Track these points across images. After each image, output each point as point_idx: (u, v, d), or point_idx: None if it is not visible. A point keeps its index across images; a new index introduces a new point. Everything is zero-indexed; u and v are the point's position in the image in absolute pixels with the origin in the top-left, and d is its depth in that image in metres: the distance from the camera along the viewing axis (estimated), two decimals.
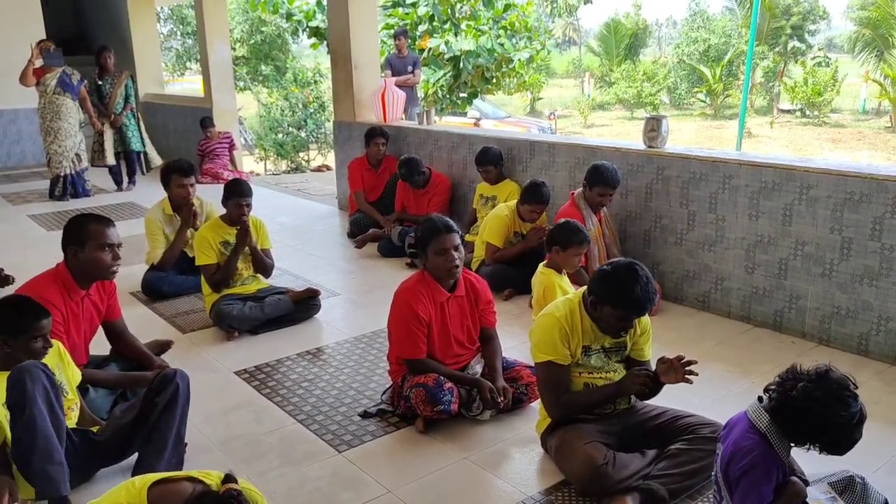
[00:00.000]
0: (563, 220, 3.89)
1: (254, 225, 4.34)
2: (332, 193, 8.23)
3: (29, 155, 10.64)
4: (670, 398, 2.81)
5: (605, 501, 2.53)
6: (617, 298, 2.55)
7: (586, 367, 2.76)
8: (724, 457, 2.14)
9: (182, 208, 4.83)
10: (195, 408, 3.24)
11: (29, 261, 5.44)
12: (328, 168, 12.37)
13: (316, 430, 3.15)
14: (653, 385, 2.64)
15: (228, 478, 1.83)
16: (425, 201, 5.99)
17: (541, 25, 14.65)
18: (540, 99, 31.31)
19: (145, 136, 8.76)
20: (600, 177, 4.39)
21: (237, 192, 4.24)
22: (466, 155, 6.07)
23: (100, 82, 8.31)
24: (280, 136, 14.41)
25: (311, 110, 14.46)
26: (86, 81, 8.09)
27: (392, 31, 9.95)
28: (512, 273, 4.74)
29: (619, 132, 24.72)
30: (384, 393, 3.34)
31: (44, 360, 2.56)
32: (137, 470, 2.60)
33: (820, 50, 29.42)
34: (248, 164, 13.73)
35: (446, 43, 11.01)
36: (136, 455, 2.70)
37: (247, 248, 4.30)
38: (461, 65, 11.37)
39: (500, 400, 3.09)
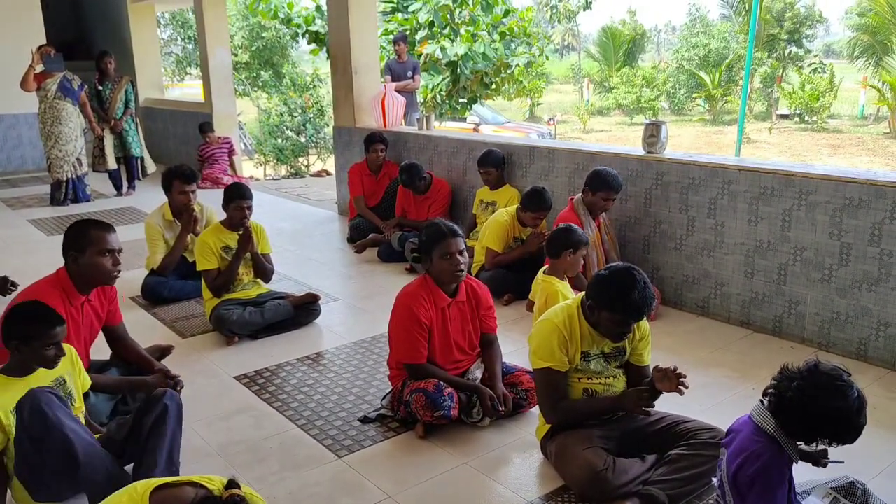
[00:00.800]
0: (563, 224, 3.90)
1: (254, 230, 4.34)
2: (332, 198, 8.24)
3: (29, 160, 10.65)
4: (670, 403, 2.81)
5: None
6: (614, 303, 2.56)
7: (586, 373, 2.76)
8: (731, 462, 2.13)
9: (182, 214, 4.84)
10: (196, 413, 3.26)
11: (29, 266, 5.45)
12: (328, 173, 12.39)
13: (316, 434, 3.15)
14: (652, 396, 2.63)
15: (231, 483, 1.82)
16: (426, 207, 6.00)
17: (540, 31, 14.68)
18: (539, 104, 31.36)
19: (142, 142, 8.78)
20: (604, 181, 4.40)
21: (238, 195, 4.25)
22: (466, 160, 6.08)
23: (100, 87, 8.32)
24: (279, 140, 14.43)
25: (311, 115, 14.48)
26: (86, 86, 8.11)
27: (392, 37, 9.98)
28: (512, 278, 4.75)
29: (619, 137, 24.75)
30: (384, 398, 3.34)
31: (57, 367, 2.54)
32: None
33: (815, 56, 29.47)
34: (248, 168, 13.75)
35: (442, 48, 11.03)
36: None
37: (248, 253, 4.31)
38: (459, 70, 11.39)
39: (500, 408, 3.09)
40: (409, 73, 8.73)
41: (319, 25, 11.80)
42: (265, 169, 15.27)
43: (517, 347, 3.86)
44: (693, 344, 4.09)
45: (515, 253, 4.83)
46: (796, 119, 26.21)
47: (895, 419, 3.22)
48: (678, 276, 4.60)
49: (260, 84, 20.45)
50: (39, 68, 7.76)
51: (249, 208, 4.28)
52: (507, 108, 27.29)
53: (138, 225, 6.37)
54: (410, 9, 11.63)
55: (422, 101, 11.50)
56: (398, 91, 7.44)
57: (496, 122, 18.47)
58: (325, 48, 11.67)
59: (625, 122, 28.84)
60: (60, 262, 3.09)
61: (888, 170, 15.24)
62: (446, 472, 2.85)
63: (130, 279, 4.95)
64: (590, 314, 2.68)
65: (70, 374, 2.67)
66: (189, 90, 24.32)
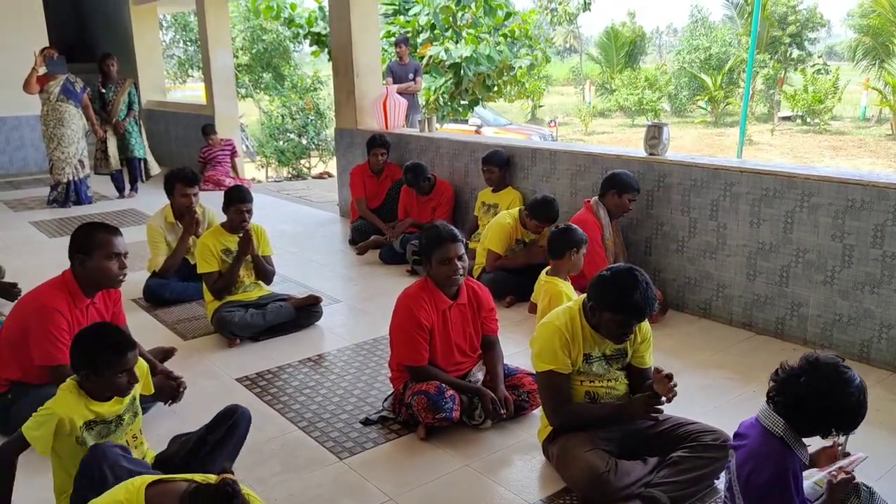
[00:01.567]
0: (564, 225, 3.89)
1: (255, 232, 4.34)
2: (334, 200, 8.25)
3: (31, 162, 10.67)
4: (672, 405, 2.81)
5: None
6: (616, 303, 2.55)
7: (588, 375, 2.76)
8: (741, 466, 2.11)
9: (184, 216, 4.84)
10: (197, 415, 3.25)
11: (30, 267, 5.46)
12: (329, 175, 12.38)
13: (317, 437, 3.14)
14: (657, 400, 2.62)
15: (225, 475, 1.82)
16: (429, 208, 6.00)
17: (542, 34, 14.68)
18: (541, 106, 31.35)
19: (146, 143, 8.80)
20: (627, 183, 4.42)
21: (238, 199, 4.25)
22: (468, 162, 6.08)
23: (103, 90, 8.34)
24: (281, 143, 14.45)
25: (311, 117, 14.49)
26: (88, 89, 8.12)
27: (393, 39, 9.99)
28: (513, 280, 4.74)
29: (621, 139, 24.74)
30: (386, 400, 3.34)
31: (129, 393, 2.47)
32: None
33: (819, 58, 29.45)
34: (250, 171, 13.76)
35: (446, 50, 11.04)
36: None
37: (248, 255, 4.31)
38: (462, 72, 11.40)
39: (501, 411, 3.09)
40: (411, 76, 8.73)
41: (321, 27, 11.82)
42: (267, 171, 15.28)
43: (519, 349, 3.86)
44: (695, 346, 4.08)
45: (519, 260, 4.81)
46: (798, 121, 26.20)
47: None
48: (680, 277, 4.59)
49: (262, 86, 20.49)
50: (42, 70, 7.78)
51: (249, 211, 4.29)
52: (509, 111, 27.30)
53: (140, 227, 6.38)
54: (411, 11, 11.65)
55: (423, 103, 11.50)
56: (400, 93, 7.45)
57: (498, 124, 18.48)
58: (326, 50, 11.68)
59: (626, 124, 28.84)
60: (62, 264, 3.09)
61: (890, 171, 15.22)
62: (448, 474, 2.85)
63: (132, 281, 4.93)
64: (591, 315, 2.67)
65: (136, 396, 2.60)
66: (191, 92, 24.38)
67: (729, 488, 2.18)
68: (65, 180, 8.07)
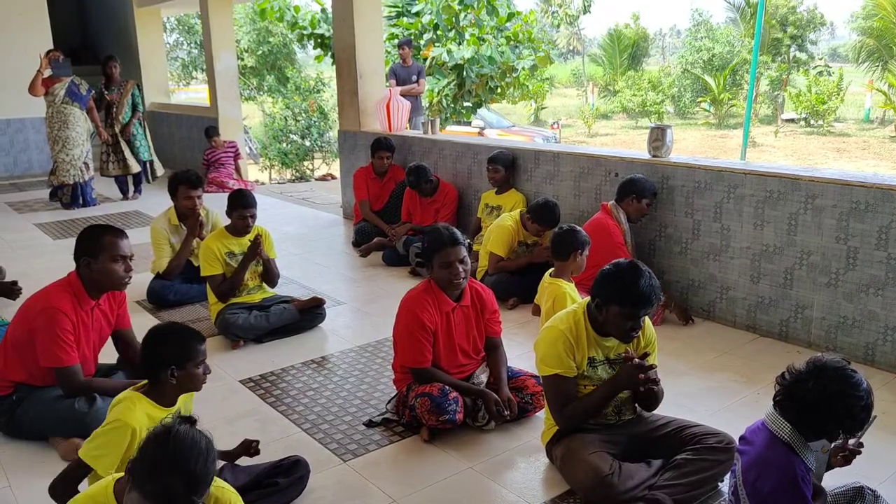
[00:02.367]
0: (568, 226, 3.89)
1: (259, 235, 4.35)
2: (337, 202, 8.25)
3: (35, 164, 10.70)
4: (675, 408, 2.81)
5: None
6: (622, 295, 2.54)
7: (592, 380, 2.75)
8: (747, 472, 2.10)
9: (188, 218, 4.85)
10: (201, 417, 3.23)
11: (34, 269, 5.48)
12: (333, 177, 12.40)
13: (321, 438, 3.15)
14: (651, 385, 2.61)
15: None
16: (433, 210, 6.00)
17: (544, 35, 14.69)
18: (544, 108, 31.37)
19: (151, 145, 8.82)
20: (646, 187, 4.44)
21: (241, 204, 4.26)
22: (471, 164, 6.08)
23: (106, 92, 8.36)
24: (284, 145, 14.48)
25: (315, 119, 14.51)
26: (93, 91, 8.15)
27: (396, 41, 10.00)
28: (517, 282, 4.74)
29: (624, 141, 24.74)
30: (389, 402, 3.34)
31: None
32: None
33: (820, 59, 29.42)
34: (253, 173, 13.77)
35: (448, 52, 11.05)
36: None
37: (257, 259, 4.31)
38: (465, 74, 11.41)
39: (505, 413, 3.09)
40: (414, 77, 8.75)
41: (324, 29, 11.84)
42: (270, 173, 15.30)
43: (522, 351, 3.86)
44: (698, 348, 4.08)
45: (521, 261, 4.82)
46: (802, 123, 26.16)
47: None
48: (684, 280, 4.59)
49: (265, 88, 20.53)
50: (48, 73, 7.80)
51: (253, 217, 4.29)
52: (512, 112, 27.30)
53: (144, 229, 6.40)
54: (414, 12, 11.66)
55: (427, 104, 11.52)
56: (403, 95, 7.46)
57: (501, 125, 18.49)
58: (329, 53, 11.71)
59: (629, 126, 28.83)
60: (66, 266, 3.10)
61: (895, 173, 15.17)
62: (451, 477, 2.85)
63: (136, 283, 4.90)
64: (597, 313, 2.66)
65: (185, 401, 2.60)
66: (195, 94, 24.44)
67: (734, 492, 2.17)
68: (70, 182, 8.09)
